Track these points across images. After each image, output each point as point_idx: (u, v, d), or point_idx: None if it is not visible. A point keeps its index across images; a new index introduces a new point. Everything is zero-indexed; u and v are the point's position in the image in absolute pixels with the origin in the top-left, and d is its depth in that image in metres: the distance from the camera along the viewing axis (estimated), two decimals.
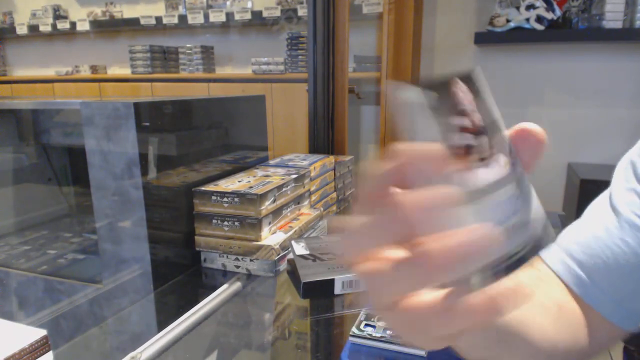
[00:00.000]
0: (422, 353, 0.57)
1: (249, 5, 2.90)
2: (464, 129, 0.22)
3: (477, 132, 0.23)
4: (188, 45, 3.09)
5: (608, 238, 0.42)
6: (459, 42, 2.01)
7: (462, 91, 0.23)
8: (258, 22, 2.88)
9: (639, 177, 0.44)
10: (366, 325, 0.62)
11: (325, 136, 1.42)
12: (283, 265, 0.85)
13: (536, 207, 0.23)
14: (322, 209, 1.06)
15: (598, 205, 0.46)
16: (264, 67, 2.83)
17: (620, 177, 0.46)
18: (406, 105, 0.23)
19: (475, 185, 0.22)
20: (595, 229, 0.44)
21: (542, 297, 0.38)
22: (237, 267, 0.85)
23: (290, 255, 0.84)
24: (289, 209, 0.94)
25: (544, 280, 0.43)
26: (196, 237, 0.87)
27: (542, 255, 0.46)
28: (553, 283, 0.43)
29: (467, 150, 0.22)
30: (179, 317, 0.70)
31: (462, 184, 0.21)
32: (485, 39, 1.91)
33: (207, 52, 3.09)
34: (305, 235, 0.94)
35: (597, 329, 0.42)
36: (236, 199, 0.82)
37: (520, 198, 0.23)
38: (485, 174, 0.22)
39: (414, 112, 0.23)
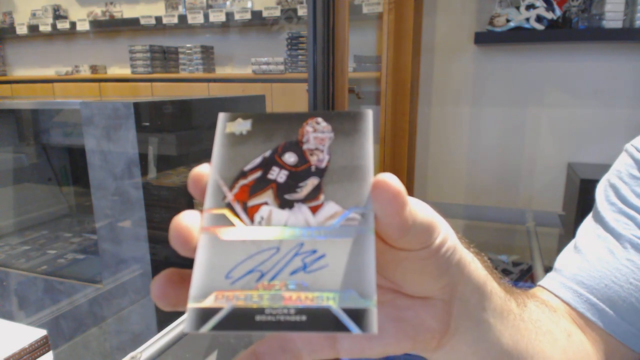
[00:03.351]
0: None
1: (249, 5, 2.90)
2: (283, 165, 0.21)
3: (302, 171, 0.21)
4: (188, 45, 3.09)
5: (614, 260, 0.42)
6: (459, 42, 2.01)
7: (316, 130, 0.22)
8: (258, 22, 2.87)
9: (623, 198, 0.44)
10: None
11: None
12: None
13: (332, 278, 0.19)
14: None
15: (590, 231, 0.46)
16: (264, 67, 2.83)
17: (603, 200, 0.47)
18: (221, 131, 0.23)
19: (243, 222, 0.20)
20: (597, 252, 0.43)
21: (551, 326, 0.37)
22: None
23: None
24: None
25: (552, 308, 0.42)
26: None
27: (544, 284, 0.45)
28: (560, 311, 0.42)
29: (275, 186, 0.21)
30: (179, 317, 0.70)
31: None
32: (485, 38, 1.91)
33: (207, 52, 3.09)
34: None
35: (612, 354, 0.41)
36: None
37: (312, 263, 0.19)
38: (278, 216, 0.20)
39: (225, 138, 0.23)
